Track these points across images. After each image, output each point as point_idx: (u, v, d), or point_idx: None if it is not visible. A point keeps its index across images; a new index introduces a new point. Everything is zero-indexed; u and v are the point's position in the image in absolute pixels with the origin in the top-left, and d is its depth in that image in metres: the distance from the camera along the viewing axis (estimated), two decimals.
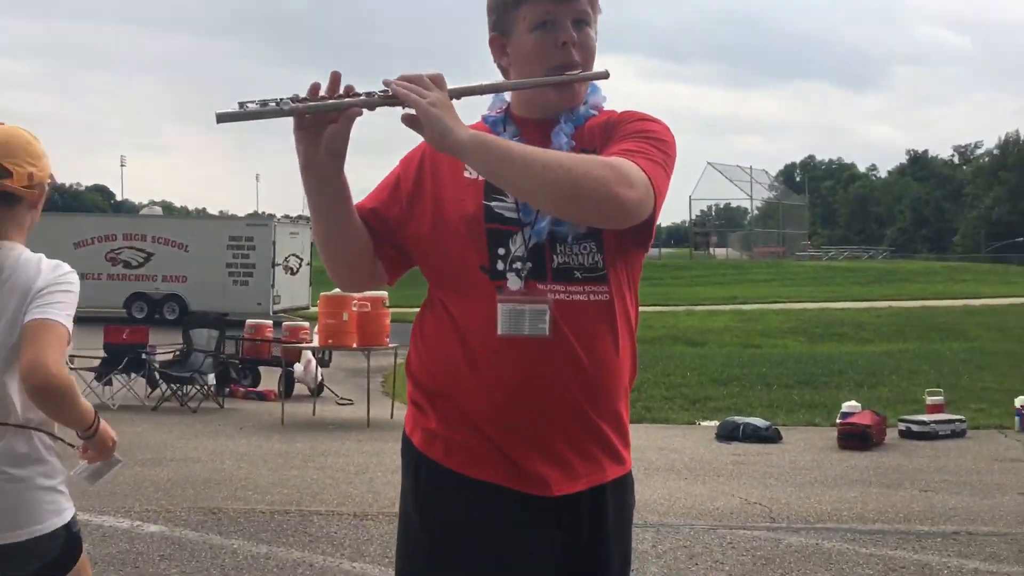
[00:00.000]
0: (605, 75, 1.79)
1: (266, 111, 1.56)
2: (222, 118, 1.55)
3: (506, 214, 1.74)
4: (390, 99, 1.61)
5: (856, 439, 7.89)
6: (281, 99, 1.58)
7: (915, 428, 8.44)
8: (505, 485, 1.71)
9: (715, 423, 9.05)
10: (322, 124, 1.64)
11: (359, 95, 1.61)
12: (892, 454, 7.74)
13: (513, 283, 1.71)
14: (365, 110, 1.63)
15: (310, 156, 1.66)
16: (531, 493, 1.71)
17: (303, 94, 1.61)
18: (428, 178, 1.80)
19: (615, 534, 1.80)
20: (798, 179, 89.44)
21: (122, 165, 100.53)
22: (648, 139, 1.72)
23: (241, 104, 1.56)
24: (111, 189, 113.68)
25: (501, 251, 1.72)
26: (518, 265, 1.72)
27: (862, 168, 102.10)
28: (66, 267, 2.15)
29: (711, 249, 52.83)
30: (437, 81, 1.62)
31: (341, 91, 1.61)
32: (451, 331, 1.75)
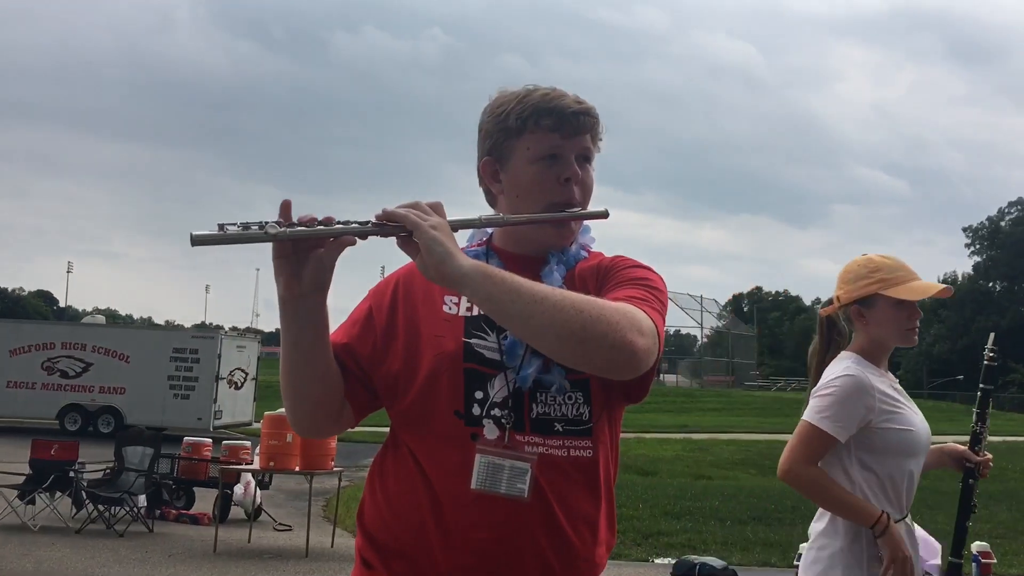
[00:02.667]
0: (604, 215, 1.69)
1: (248, 235, 1.39)
2: (198, 240, 1.36)
3: (487, 354, 1.59)
4: (385, 227, 1.46)
5: None
6: (265, 222, 1.41)
7: None
8: None
9: (669, 560, 8.74)
10: (305, 252, 1.48)
11: (350, 222, 1.46)
12: None
13: (490, 431, 1.55)
14: (357, 239, 1.48)
15: (291, 287, 1.50)
16: None
17: (272, 215, 1.44)
18: (401, 311, 1.65)
19: None
20: (746, 309, 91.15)
21: (68, 271, 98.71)
22: (648, 288, 1.61)
23: (221, 226, 1.38)
24: (55, 295, 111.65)
25: (479, 395, 1.57)
26: (496, 412, 1.56)
27: (807, 301, 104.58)
28: None
29: (661, 376, 53.03)
30: (436, 209, 1.49)
31: (320, 219, 1.46)
32: (417, 480, 1.57)
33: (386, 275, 1.76)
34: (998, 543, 9.64)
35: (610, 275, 1.65)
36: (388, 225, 1.46)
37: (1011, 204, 72.24)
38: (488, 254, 1.69)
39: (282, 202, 1.44)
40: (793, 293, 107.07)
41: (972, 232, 73.56)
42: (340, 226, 1.45)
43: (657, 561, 9.05)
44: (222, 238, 1.38)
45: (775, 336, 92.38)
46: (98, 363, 21.61)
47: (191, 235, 1.36)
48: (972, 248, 73.63)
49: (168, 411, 20.97)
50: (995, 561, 8.62)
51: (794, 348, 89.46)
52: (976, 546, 8.90)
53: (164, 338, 22.93)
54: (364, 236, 1.47)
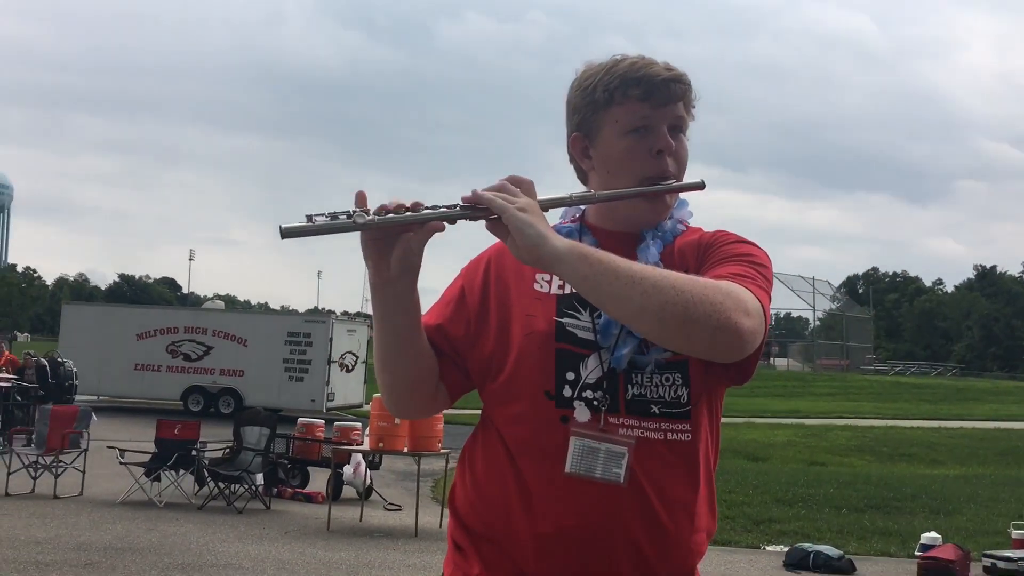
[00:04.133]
0: (701, 186, 1.60)
1: (337, 225, 1.38)
2: (287, 233, 1.36)
3: (580, 334, 1.53)
4: (472, 211, 1.42)
5: (939, 575, 7.31)
6: (353, 211, 1.39)
7: (1001, 565, 7.81)
8: None
9: (781, 548, 8.52)
10: (393, 238, 1.46)
11: (437, 207, 1.43)
12: None
13: (581, 414, 1.50)
14: (446, 224, 1.45)
15: (381, 272, 1.48)
16: None
17: (367, 204, 1.42)
18: (493, 290, 1.61)
19: None
20: (861, 291, 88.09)
21: (190, 259, 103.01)
22: (753, 264, 1.52)
23: (309, 217, 1.38)
24: (178, 282, 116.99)
25: (570, 376, 1.51)
26: (588, 394, 1.50)
27: (928, 282, 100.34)
28: None
29: (772, 360, 51.81)
30: (526, 188, 1.44)
31: (408, 205, 1.43)
32: (505, 464, 1.53)
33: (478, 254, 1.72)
34: None
35: (711, 251, 1.57)
36: (476, 209, 1.42)
37: None
38: (582, 231, 1.63)
39: (357, 193, 1.42)
40: (912, 274, 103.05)
41: None
42: (428, 211, 1.43)
43: (769, 548, 8.82)
44: (311, 229, 1.37)
45: (892, 318, 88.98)
46: (218, 347, 22.50)
47: (280, 228, 1.36)
48: None
49: (284, 393, 21.67)
50: None
51: (913, 331, 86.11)
52: None
53: (279, 323, 23.69)
54: (452, 220, 1.44)
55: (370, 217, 1.40)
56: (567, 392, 1.51)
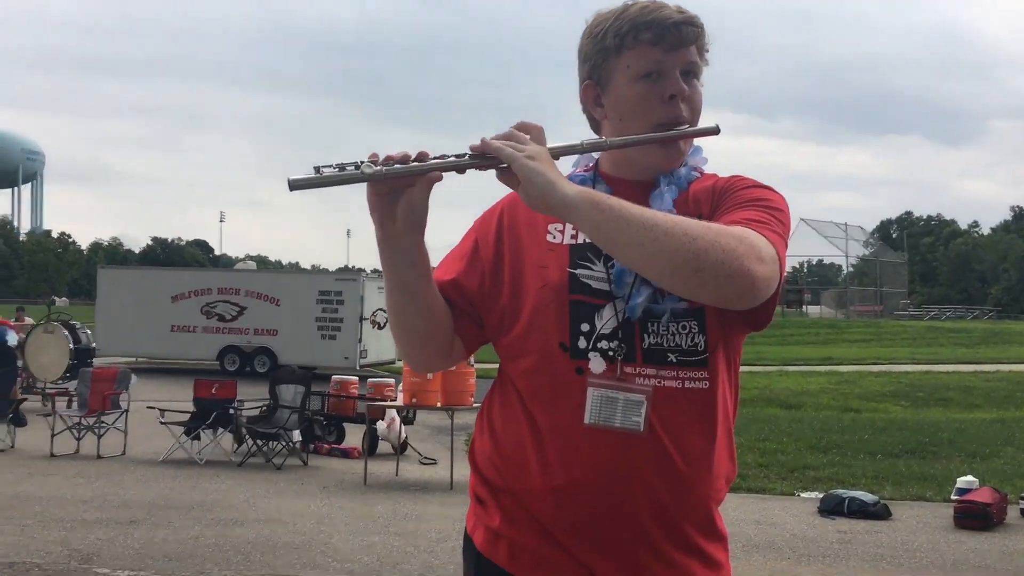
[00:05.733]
0: (716, 131, 1.57)
1: (344, 176, 1.38)
2: (296, 184, 1.36)
3: (594, 285, 1.52)
4: (481, 160, 1.41)
5: (976, 519, 7.29)
6: (361, 162, 1.38)
7: None
8: None
9: (816, 495, 8.52)
10: (399, 191, 1.44)
11: (446, 156, 1.41)
12: (1016, 536, 7.11)
13: (596, 365, 1.49)
14: (446, 174, 1.43)
15: (387, 226, 1.47)
16: None
17: (382, 156, 1.41)
18: (507, 242, 1.60)
19: None
20: (895, 236, 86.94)
21: (221, 220, 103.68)
22: (768, 209, 1.49)
23: (317, 168, 1.37)
24: (210, 244, 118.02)
25: (585, 327, 1.51)
26: (604, 344, 1.49)
27: (963, 225, 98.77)
28: None
29: (804, 307, 51.44)
30: (535, 135, 1.42)
31: (413, 156, 1.42)
32: (521, 416, 1.54)
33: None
34: None
35: (726, 196, 1.54)
36: (485, 158, 1.40)
37: None
38: (595, 180, 1.61)
39: (370, 155, 1.41)
40: (947, 217, 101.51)
41: None
42: (435, 161, 1.41)
43: (803, 495, 8.83)
44: (319, 181, 1.37)
45: (927, 263, 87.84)
46: (251, 307, 22.73)
47: (288, 180, 1.36)
48: None
49: (317, 351, 21.89)
50: None
51: (949, 275, 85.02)
52: None
53: (310, 282, 23.85)
54: (461, 170, 1.42)
55: (377, 168, 1.39)
56: (582, 343, 1.50)
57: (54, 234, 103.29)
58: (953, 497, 7.81)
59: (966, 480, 8.04)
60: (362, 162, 1.39)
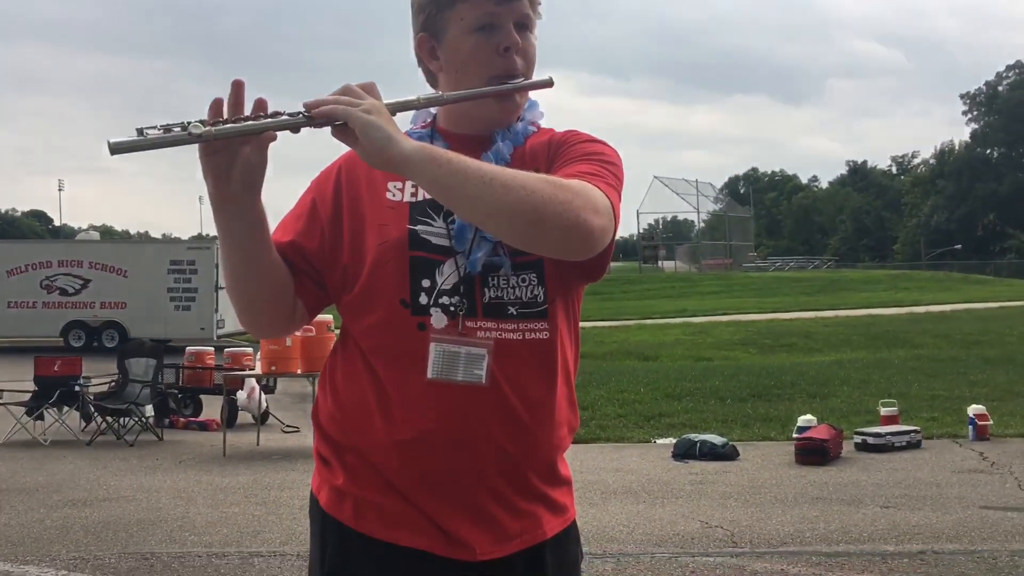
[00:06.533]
0: (549, 83, 1.59)
1: (171, 138, 1.29)
2: (117, 148, 1.26)
3: (434, 240, 1.52)
4: (316, 118, 1.37)
5: (814, 454, 7.79)
6: (188, 122, 1.30)
7: (871, 440, 8.38)
8: (424, 550, 1.51)
9: (671, 440, 8.90)
10: (233, 150, 1.39)
11: (279, 114, 1.36)
12: (850, 468, 7.65)
13: (437, 320, 1.50)
14: (280, 133, 1.39)
15: (220, 188, 1.42)
16: (454, 558, 1.50)
17: (208, 115, 1.35)
18: (345, 200, 1.57)
19: None
20: (742, 191, 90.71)
21: (60, 189, 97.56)
22: (603, 163, 1.52)
23: (140, 130, 1.28)
24: (49, 215, 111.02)
25: (426, 283, 1.51)
26: (445, 300, 1.50)
27: (804, 179, 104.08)
28: None
29: (660, 262, 53.09)
30: (369, 89, 1.40)
31: (248, 111, 1.36)
32: (363, 374, 1.53)
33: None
34: (995, 405, 9.81)
35: (562, 150, 1.57)
36: (321, 116, 1.37)
37: (1008, 68, 71.02)
38: (433, 136, 1.60)
39: (212, 101, 1.35)
40: (790, 172, 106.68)
41: (970, 99, 72.45)
42: (269, 120, 1.36)
43: (659, 441, 9.21)
44: (143, 144, 1.28)
45: (772, 216, 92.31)
46: (96, 279, 21.62)
47: (108, 142, 1.27)
48: (969, 116, 72.73)
49: (170, 323, 21.09)
50: (991, 423, 8.82)
51: (792, 227, 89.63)
52: (972, 409, 9.08)
53: (159, 251, 22.88)
54: (296, 129, 1.38)
55: (206, 128, 1.31)
56: (423, 299, 1.51)
57: None
58: (794, 436, 8.31)
59: (805, 419, 8.58)
60: (189, 122, 1.31)
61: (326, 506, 1.57)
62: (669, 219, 68.89)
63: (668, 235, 67.81)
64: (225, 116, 1.35)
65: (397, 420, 1.50)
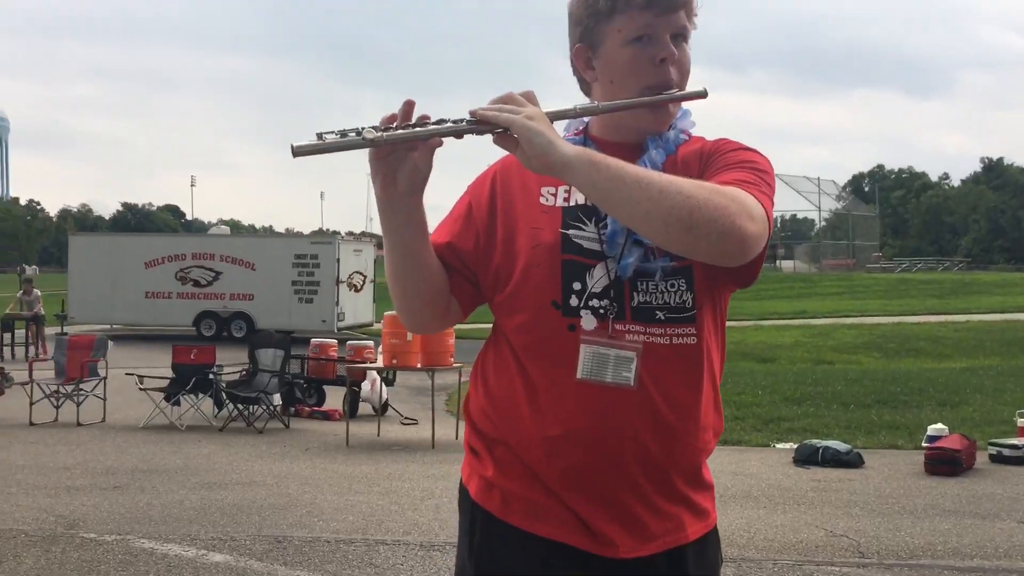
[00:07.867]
0: (704, 95, 1.61)
1: (346, 142, 1.40)
2: (299, 151, 1.38)
3: (586, 245, 1.57)
4: (480, 125, 1.44)
5: (945, 464, 7.48)
6: (362, 128, 1.41)
7: (1007, 452, 7.98)
8: (568, 543, 1.55)
9: (791, 446, 8.70)
10: (401, 155, 1.48)
11: (444, 122, 1.45)
12: (984, 481, 7.32)
13: (587, 322, 1.55)
14: (446, 139, 1.47)
15: (387, 190, 1.51)
16: (597, 554, 1.54)
17: (375, 120, 1.45)
18: (500, 204, 1.64)
19: None
20: (867, 189, 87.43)
21: (192, 185, 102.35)
22: (755, 170, 1.54)
23: (320, 135, 1.40)
24: (182, 208, 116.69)
25: (576, 285, 1.56)
26: (595, 302, 1.55)
27: (934, 177, 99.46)
28: None
29: (778, 262, 51.78)
30: (529, 98, 1.46)
31: (413, 120, 1.45)
32: (515, 370, 1.59)
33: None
34: None
35: (714, 159, 1.59)
36: (484, 122, 1.43)
37: None
38: (586, 143, 1.63)
39: (384, 117, 1.44)
40: (918, 169, 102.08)
41: None
42: (435, 127, 1.44)
43: (778, 446, 9.02)
44: (322, 147, 1.39)
45: (899, 216, 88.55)
46: (227, 271, 22.60)
47: (292, 147, 1.38)
48: None
49: (294, 315, 21.86)
50: None
51: (920, 227, 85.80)
52: None
53: (285, 245, 23.73)
54: (460, 135, 1.45)
55: (378, 134, 1.41)
56: (573, 301, 1.55)
57: (22, 202, 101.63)
58: (924, 444, 8.00)
59: (936, 428, 8.23)
60: (363, 128, 1.41)
61: (475, 496, 1.63)
62: (788, 217, 67.06)
63: (787, 234, 66.04)
64: (393, 122, 1.44)
65: (546, 416, 1.55)
